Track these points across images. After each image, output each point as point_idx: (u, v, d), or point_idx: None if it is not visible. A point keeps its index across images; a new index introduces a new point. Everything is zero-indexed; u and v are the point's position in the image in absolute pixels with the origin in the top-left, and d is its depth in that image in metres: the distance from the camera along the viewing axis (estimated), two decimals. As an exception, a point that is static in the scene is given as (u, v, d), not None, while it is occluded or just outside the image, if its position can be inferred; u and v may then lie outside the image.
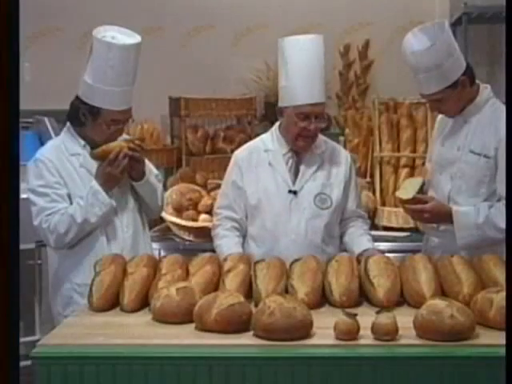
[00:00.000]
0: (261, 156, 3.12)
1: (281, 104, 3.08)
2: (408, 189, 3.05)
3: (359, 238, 3.14)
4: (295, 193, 3.05)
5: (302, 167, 3.09)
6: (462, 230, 2.89)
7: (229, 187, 3.14)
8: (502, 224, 2.78)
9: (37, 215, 2.88)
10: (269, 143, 3.14)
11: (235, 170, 3.14)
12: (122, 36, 2.91)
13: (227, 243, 3.06)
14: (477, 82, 3.02)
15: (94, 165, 2.97)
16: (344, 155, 3.19)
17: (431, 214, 2.93)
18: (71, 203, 2.90)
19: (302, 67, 2.99)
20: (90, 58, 2.88)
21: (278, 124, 3.17)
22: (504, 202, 2.81)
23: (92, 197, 2.86)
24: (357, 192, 3.22)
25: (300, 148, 3.07)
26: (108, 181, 2.89)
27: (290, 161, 3.10)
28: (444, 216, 2.93)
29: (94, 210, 2.86)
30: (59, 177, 2.91)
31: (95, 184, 2.88)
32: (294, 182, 3.07)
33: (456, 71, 2.89)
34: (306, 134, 3.01)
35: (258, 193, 3.07)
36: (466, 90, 2.92)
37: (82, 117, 2.94)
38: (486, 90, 3.00)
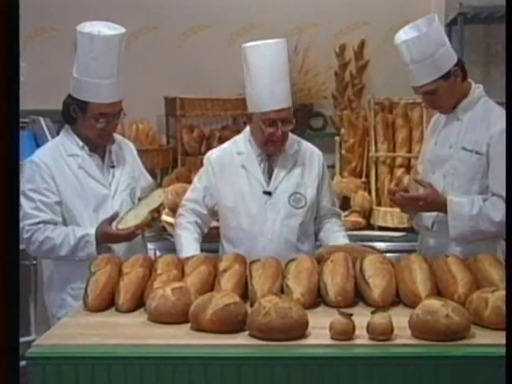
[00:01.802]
0: (233, 159, 3.13)
1: (248, 110, 3.10)
2: None
3: (335, 234, 3.18)
4: (270, 193, 3.07)
5: (275, 168, 3.11)
6: (455, 220, 2.90)
7: (200, 184, 3.17)
8: (495, 217, 2.83)
9: (20, 220, 2.84)
10: (242, 146, 3.15)
11: (208, 171, 3.15)
12: (106, 29, 2.91)
13: (187, 237, 3.08)
14: (469, 80, 3.05)
15: (92, 166, 2.98)
16: (317, 155, 3.21)
17: (425, 202, 2.93)
18: (61, 211, 2.90)
19: (264, 73, 2.98)
20: (75, 52, 2.90)
21: (249, 127, 3.17)
22: (497, 197, 2.84)
23: (84, 245, 2.85)
24: (331, 190, 3.26)
25: (270, 152, 3.10)
26: (109, 242, 2.88)
27: (263, 162, 3.12)
28: (438, 205, 2.94)
29: (80, 254, 2.86)
30: (52, 182, 2.90)
31: (93, 237, 2.85)
32: (268, 183, 3.09)
33: (448, 62, 2.92)
34: (273, 139, 3.02)
35: (234, 195, 3.09)
36: (458, 82, 2.95)
37: (72, 113, 2.95)
38: (477, 89, 3.03)
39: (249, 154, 3.12)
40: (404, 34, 2.94)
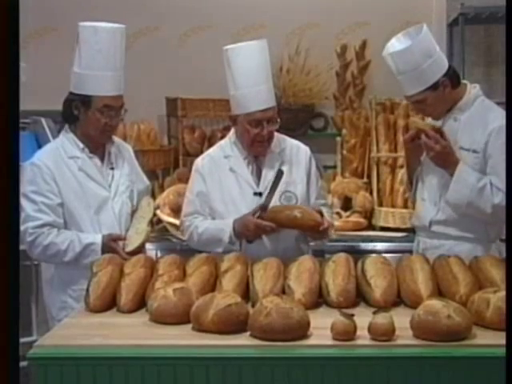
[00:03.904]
0: (221, 163, 3.11)
1: (232, 112, 3.09)
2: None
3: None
4: (260, 194, 3.05)
5: (263, 168, 3.09)
6: (458, 184, 2.91)
7: (194, 194, 3.11)
8: (495, 200, 2.84)
9: (23, 222, 2.84)
10: (228, 149, 3.14)
11: (197, 178, 3.12)
12: (105, 25, 2.93)
13: (213, 221, 3.05)
14: (465, 81, 3.07)
15: (92, 168, 2.97)
16: (303, 150, 3.20)
17: (442, 148, 2.90)
18: (63, 213, 2.90)
19: (247, 75, 3.00)
20: (77, 48, 2.90)
21: (234, 130, 3.17)
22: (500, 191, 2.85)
23: (89, 253, 2.85)
24: (317, 184, 3.21)
25: (257, 153, 3.09)
26: (110, 252, 2.86)
27: (251, 164, 3.11)
28: (450, 161, 2.93)
29: (84, 261, 2.85)
30: (54, 184, 2.90)
31: (99, 246, 2.86)
32: (257, 184, 3.07)
33: (435, 73, 2.93)
34: (260, 139, 3.02)
35: (224, 199, 3.06)
36: (447, 91, 2.95)
37: (75, 110, 2.93)
38: (474, 89, 3.04)
39: (236, 156, 3.11)
40: (393, 43, 2.97)
